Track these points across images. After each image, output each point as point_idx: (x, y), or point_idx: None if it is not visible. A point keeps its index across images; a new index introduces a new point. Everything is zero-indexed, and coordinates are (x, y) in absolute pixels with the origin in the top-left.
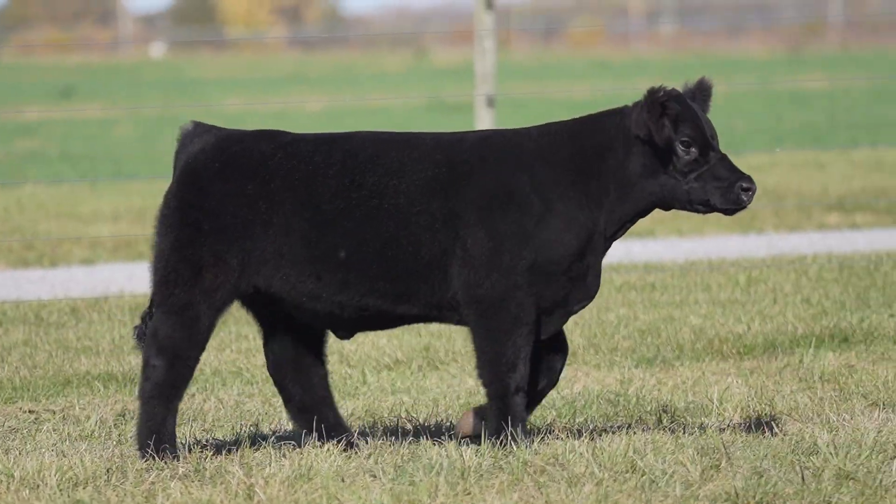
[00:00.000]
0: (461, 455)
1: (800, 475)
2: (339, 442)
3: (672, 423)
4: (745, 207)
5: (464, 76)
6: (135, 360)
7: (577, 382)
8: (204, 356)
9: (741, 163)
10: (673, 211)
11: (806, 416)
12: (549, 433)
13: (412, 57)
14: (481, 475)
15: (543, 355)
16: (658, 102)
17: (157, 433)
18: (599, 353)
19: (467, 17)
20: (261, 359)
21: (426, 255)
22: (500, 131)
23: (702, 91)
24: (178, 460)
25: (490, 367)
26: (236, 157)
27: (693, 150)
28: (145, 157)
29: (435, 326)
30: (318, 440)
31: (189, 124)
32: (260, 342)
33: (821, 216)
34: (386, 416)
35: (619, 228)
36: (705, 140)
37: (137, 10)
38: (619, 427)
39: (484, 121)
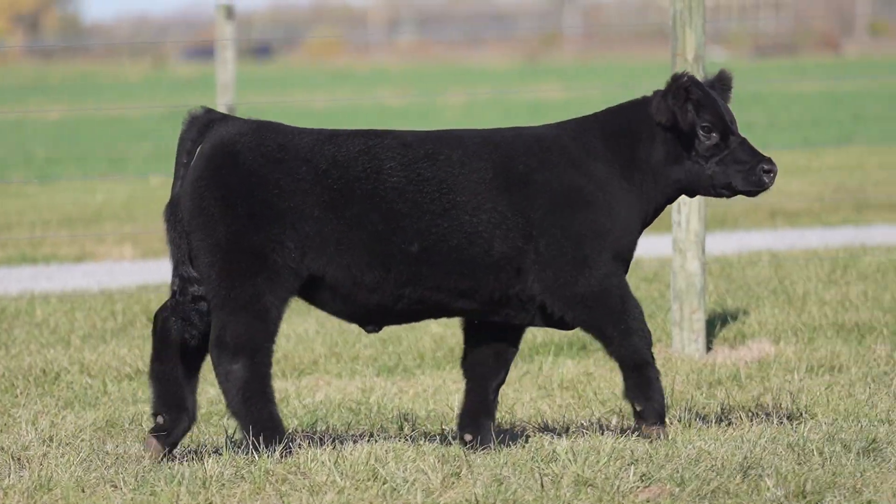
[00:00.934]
0: (203, 465)
1: (539, 482)
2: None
3: (413, 431)
4: (767, 188)
5: (204, 86)
6: None
7: (318, 391)
8: None
9: None
10: None
11: (545, 424)
12: (292, 442)
13: (151, 66)
14: (223, 484)
15: (499, 348)
16: (682, 88)
17: (273, 431)
18: (341, 362)
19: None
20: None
21: (496, 253)
22: (541, 130)
23: (721, 82)
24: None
25: (623, 347)
26: (282, 143)
27: (714, 134)
28: None
29: None
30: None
31: (199, 109)
32: None
33: None
34: (127, 426)
35: (653, 217)
36: (725, 125)
37: None
38: (360, 435)
39: None
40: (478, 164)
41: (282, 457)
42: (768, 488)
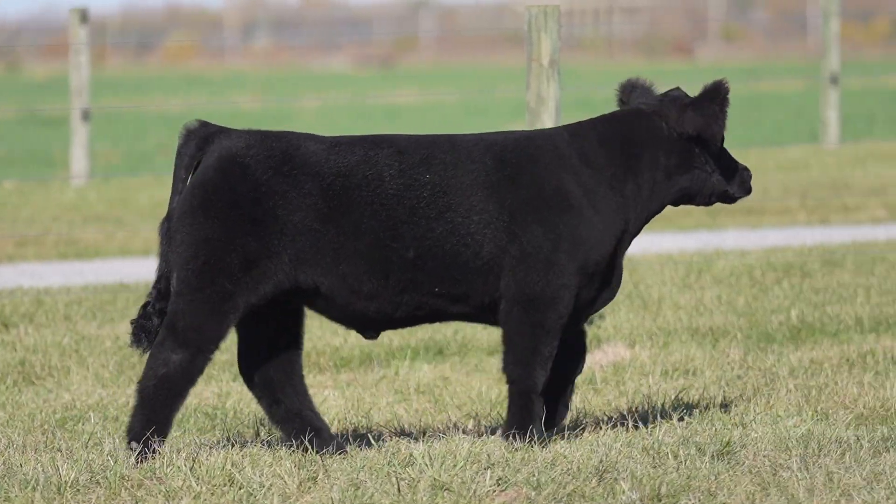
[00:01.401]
0: (58, 470)
1: (396, 486)
2: (326, 446)
3: (269, 436)
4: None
5: (58, 89)
6: None
7: None
8: None
9: None
10: None
11: (402, 428)
12: (147, 447)
13: (5, 69)
14: (78, 490)
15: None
16: (727, 98)
17: (157, 429)
18: None
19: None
20: None
21: (485, 255)
22: (534, 133)
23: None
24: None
25: (524, 364)
26: (290, 154)
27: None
28: None
29: (28, 335)
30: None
31: (195, 122)
32: None
33: None
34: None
35: (644, 224)
36: (723, 133)
37: None
38: (217, 441)
39: (80, 134)
40: (470, 166)
41: (137, 462)
42: (623, 491)
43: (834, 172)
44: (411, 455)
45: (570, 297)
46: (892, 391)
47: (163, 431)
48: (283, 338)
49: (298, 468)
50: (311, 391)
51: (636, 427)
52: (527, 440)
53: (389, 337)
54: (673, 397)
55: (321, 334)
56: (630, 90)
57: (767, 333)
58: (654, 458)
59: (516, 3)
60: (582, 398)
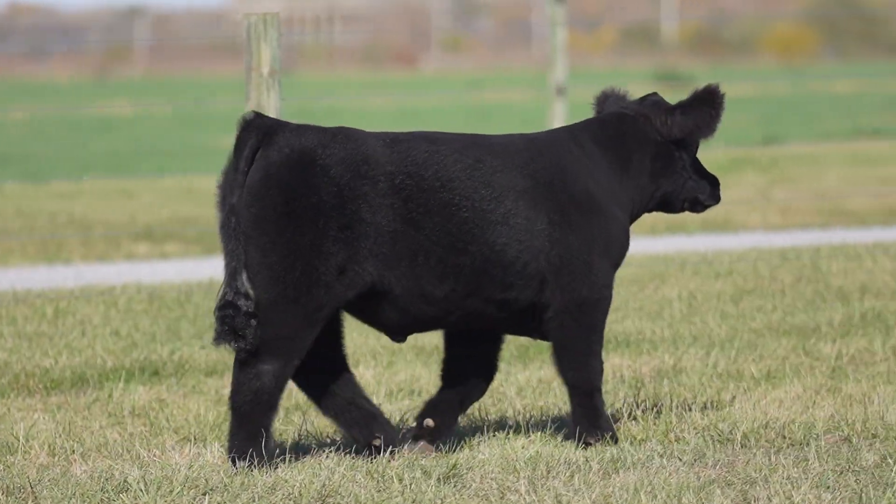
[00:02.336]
0: None
1: None
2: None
3: None
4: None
5: None
6: None
7: None
8: None
9: (44, 191)
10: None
11: (116, 453)
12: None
13: None
14: None
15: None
16: (723, 103)
17: (256, 444)
18: None
19: None
20: None
21: (533, 263)
22: (552, 135)
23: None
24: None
25: (583, 366)
26: (365, 155)
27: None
28: None
29: None
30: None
31: (252, 113)
32: None
33: (129, 246)
34: None
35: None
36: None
37: None
38: None
39: None
40: (513, 172)
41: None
42: None
43: None
44: (125, 481)
45: (610, 297)
46: (617, 409)
47: (267, 444)
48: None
49: (7, 495)
50: (19, 414)
51: (360, 450)
52: (601, 438)
53: (102, 358)
54: (398, 418)
55: (31, 355)
56: (604, 99)
57: None
58: (378, 482)
59: (234, 11)
60: (304, 419)
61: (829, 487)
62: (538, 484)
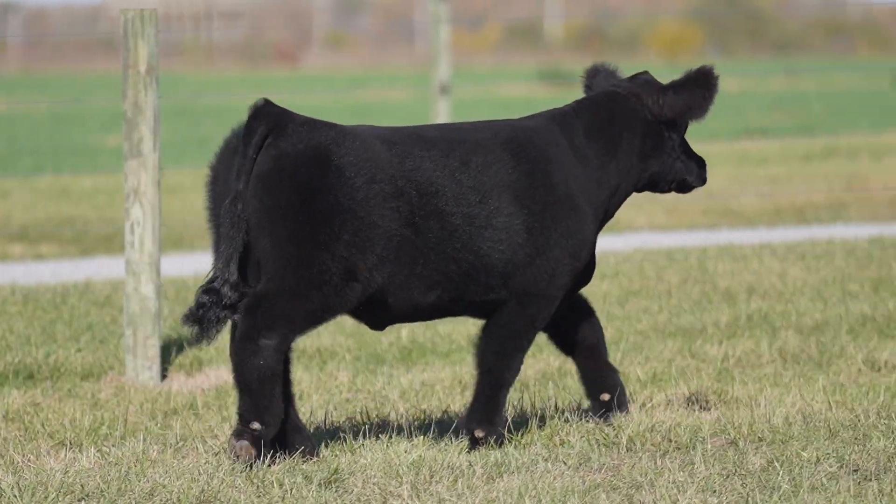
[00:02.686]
0: None
1: None
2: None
3: None
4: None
5: None
6: None
7: None
8: None
9: None
10: None
11: None
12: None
13: None
14: None
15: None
16: (716, 84)
17: (273, 414)
18: None
19: None
20: None
21: (515, 259)
22: (534, 125)
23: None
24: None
25: (507, 356)
26: (371, 157)
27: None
28: None
29: None
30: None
31: (262, 100)
32: None
33: (4, 246)
34: None
35: (619, 206)
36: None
37: None
38: None
39: None
40: (497, 168)
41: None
42: None
43: None
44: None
45: (560, 297)
46: (508, 411)
47: (278, 410)
48: None
49: None
50: None
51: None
52: (488, 435)
53: None
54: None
55: None
56: (594, 74)
57: (377, 354)
58: (258, 486)
59: (111, 7)
60: (183, 423)
61: (715, 491)
62: (421, 489)
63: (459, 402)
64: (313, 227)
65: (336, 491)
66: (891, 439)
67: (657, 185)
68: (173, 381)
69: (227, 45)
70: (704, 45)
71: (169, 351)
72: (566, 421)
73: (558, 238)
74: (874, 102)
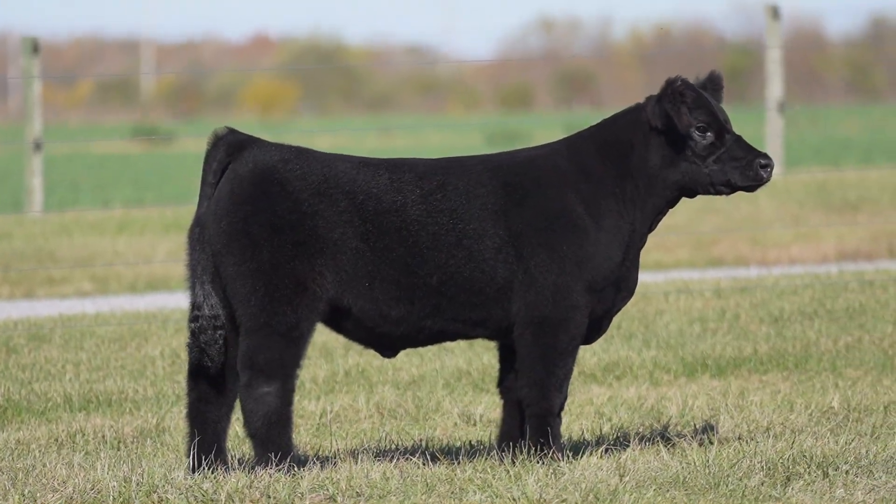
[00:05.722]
0: None
1: None
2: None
3: None
4: (765, 183)
5: None
6: None
7: None
8: None
9: None
10: None
11: None
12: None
13: None
14: None
15: None
16: (677, 91)
17: (287, 457)
18: None
19: None
20: None
21: (500, 280)
22: (535, 153)
23: (713, 83)
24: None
25: (539, 387)
26: (325, 174)
27: (709, 134)
28: None
29: None
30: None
31: (224, 128)
32: None
33: None
34: None
35: (654, 221)
36: (720, 124)
37: None
38: None
39: None
40: (480, 191)
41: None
42: None
43: (39, 242)
44: None
45: (581, 319)
46: (102, 472)
47: (293, 456)
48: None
49: None
50: None
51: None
52: (548, 461)
53: None
54: None
55: None
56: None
57: None
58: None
59: None
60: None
61: None
62: None
63: (56, 459)
64: (257, 247)
65: None
66: (486, 493)
67: (693, 192)
68: None
69: None
70: (299, 102)
71: None
72: (165, 478)
73: (557, 259)
74: None
